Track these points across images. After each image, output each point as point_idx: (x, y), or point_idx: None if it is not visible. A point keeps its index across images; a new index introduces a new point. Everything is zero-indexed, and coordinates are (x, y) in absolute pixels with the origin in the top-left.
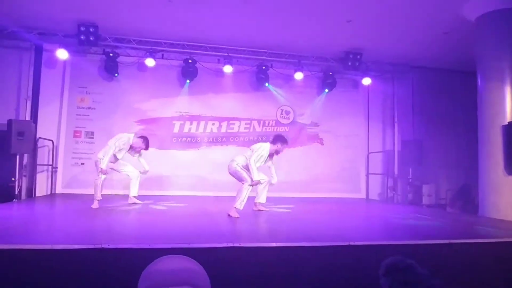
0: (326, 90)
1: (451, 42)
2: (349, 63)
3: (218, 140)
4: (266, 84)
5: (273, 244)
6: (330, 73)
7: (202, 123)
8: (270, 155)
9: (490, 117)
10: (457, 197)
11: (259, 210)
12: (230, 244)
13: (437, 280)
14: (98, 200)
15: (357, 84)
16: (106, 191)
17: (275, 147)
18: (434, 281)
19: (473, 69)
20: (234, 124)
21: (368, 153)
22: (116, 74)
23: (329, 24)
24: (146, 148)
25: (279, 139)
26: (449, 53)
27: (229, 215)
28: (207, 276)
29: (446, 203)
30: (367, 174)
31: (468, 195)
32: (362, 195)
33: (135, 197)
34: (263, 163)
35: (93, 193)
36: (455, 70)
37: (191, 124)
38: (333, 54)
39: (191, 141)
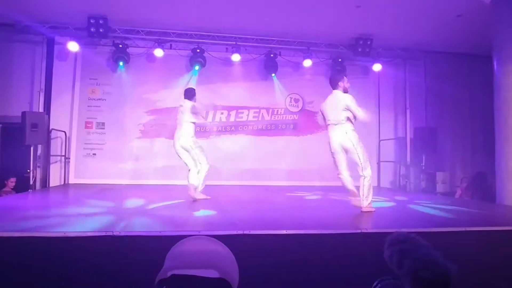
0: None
1: (464, 25)
2: (359, 49)
3: (227, 129)
4: (273, 75)
5: (283, 232)
6: (340, 60)
7: (211, 112)
8: None
9: (507, 102)
10: (471, 184)
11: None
12: (240, 232)
13: (454, 266)
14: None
15: (367, 71)
16: (122, 181)
17: (343, 86)
18: (435, 253)
19: (488, 52)
20: (243, 113)
21: (379, 141)
22: (120, 63)
23: (338, 10)
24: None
25: (336, 75)
26: (462, 36)
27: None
28: (235, 260)
29: (456, 190)
30: (379, 162)
31: (483, 182)
32: (374, 183)
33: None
34: None
35: (103, 183)
36: (470, 54)
37: None
38: (342, 40)
39: (200, 131)
